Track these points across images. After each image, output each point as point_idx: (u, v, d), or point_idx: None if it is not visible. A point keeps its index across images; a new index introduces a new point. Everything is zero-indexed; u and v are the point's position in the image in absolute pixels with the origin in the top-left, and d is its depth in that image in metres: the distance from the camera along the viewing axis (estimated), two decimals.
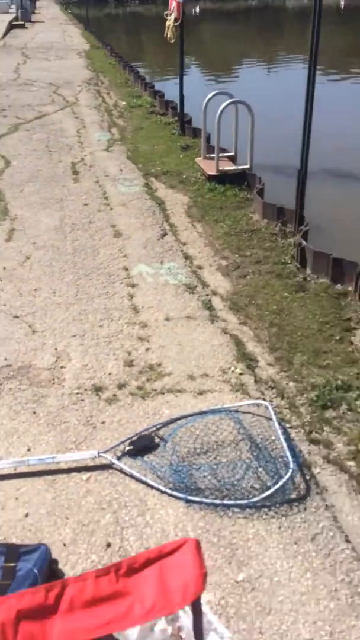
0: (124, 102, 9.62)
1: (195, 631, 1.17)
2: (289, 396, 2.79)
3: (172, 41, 7.01)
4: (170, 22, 6.90)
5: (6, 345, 3.21)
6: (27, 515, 2.15)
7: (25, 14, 27.23)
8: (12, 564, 1.70)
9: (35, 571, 1.67)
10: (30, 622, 1.08)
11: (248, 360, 3.05)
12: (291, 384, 2.89)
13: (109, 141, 7.27)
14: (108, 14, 43.99)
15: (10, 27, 23.58)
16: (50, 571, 1.78)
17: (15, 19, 26.13)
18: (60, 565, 1.92)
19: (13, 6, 30.01)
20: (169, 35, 7.02)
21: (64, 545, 2.02)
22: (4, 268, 4.04)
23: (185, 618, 1.56)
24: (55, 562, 1.88)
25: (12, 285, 3.82)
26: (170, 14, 6.86)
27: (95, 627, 1.08)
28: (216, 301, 3.65)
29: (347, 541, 2.02)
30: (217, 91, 5.96)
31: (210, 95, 5.81)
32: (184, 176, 5.89)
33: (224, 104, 5.30)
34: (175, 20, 6.79)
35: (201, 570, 1.11)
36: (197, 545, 1.15)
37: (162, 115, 8.65)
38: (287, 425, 2.59)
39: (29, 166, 6.25)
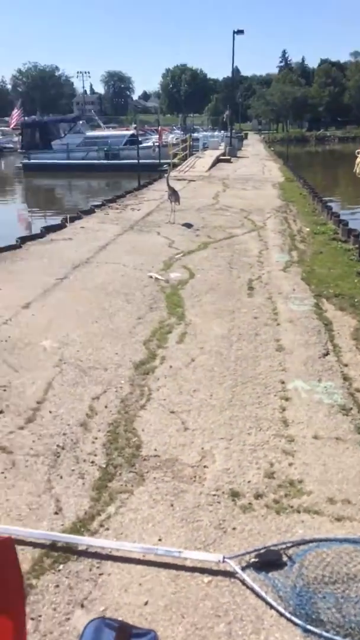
0: (307, 229, 10.11)
1: None
2: None
3: None
4: (359, 159, 7.30)
5: (159, 436, 3.44)
6: (146, 603, 2.21)
7: (232, 150, 30.69)
8: None
9: None
10: None
11: None
12: None
13: (287, 262, 7.65)
14: (308, 151, 47.29)
15: (217, 161, 26.65)
16: None
17: (223, 154, 29.53)
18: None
19: (222, 144, 34.07)
20: (357, 171, 7.40)
21: None
22: (171, 366, 4.39)
23: None
24: None
25: (175, 384, 4.11)
26: None
27: None
28: None
29: None
30: None
31: None
32: (355, 300, 5.91)
33: None
34: None
35: None
36: None
37: (343, 242, 8.89)
38: None
39: (210, 280, 6.83)
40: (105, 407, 3.80)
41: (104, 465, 3.15)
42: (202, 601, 2.21)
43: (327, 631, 2.03)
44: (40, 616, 2.17)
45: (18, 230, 13.02)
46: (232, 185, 17.24)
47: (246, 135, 61.47)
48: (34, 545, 2.55)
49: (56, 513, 2.76)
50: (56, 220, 11.55)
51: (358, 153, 7.60)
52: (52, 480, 3.03)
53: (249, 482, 2.99)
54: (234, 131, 45.92)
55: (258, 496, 2.86)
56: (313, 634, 2.03)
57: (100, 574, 2.37)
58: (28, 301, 5.97)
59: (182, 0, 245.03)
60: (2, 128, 51.17)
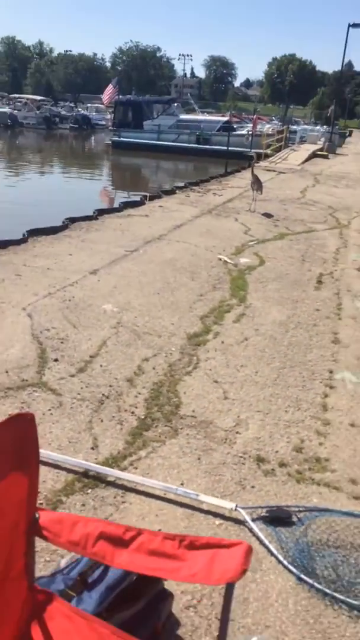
0: None
1: (222, 613, 1.39)
2: None
3: None
4: None
5: (199, 401, 3.73)
6: (159, 530, 2.52)
7: (331, 146, 30.20)
8: None
9: None
10: (106, 543, 1.45)
11: None
12: None
13: None
14: None
15: (313, 155, 26.38)
16: None
17: (321, 149, 29.15)
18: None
19: (322, 139, 33.59)
20: None
21: None
22: (222, 342, 4.66)
23: None
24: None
25: (224, 357, 4.39)
26: None
27: (147, 568, 1.41)
28: None
29: None
30: None
31: None
32: None
33: None
34: None
35: (242, 567, 1.35)
36: (249, 549, 1.40)
37: None
38: None
39: (280, 269, 7.02)
40: (153, 368, 4.14)
41: (142, 417, 3.49)
42: None
43: (320, 583, 2.26)
44: None
45: (100, 204, 13.67)
46: (323, 182, 17.12)
47: (351, 132, 60.01)
48: (69, 470, 2.93)
49: (92, 449, 3.13)
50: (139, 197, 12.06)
51: None
52: (93, 422, 3.40)
53: (276, 451, 3.23)
54: (337, 127, 45.14)
55: (282, 465, 3.10)
56: (306, 583, 2.27)
57: (123, 502, 2.71)
58: (96, 268, 6.43)
59: None
60: (97, 105, 53.02)
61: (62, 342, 4.44)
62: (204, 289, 6.02)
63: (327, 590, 2.22)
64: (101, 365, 4.12)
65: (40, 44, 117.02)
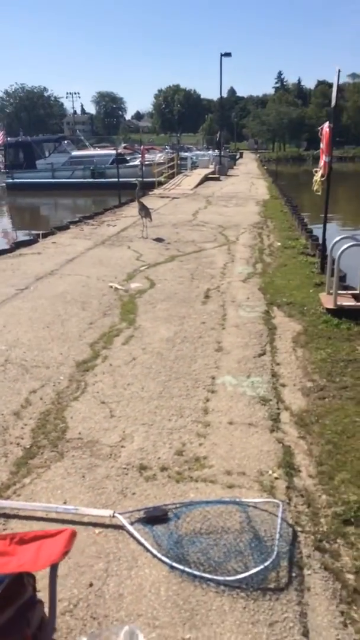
0: (279, 243, 10.65)
1: (50, 593, 1.55)
2: (316, 506, 2.93)
3: (319, 193, 7.90)
4: (317, 177, 7.86)
5: (85, 423, 3.86)
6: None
7: (222, 169, 31.54)
8: None
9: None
10: None
11: (290, 469, 3.26)
12: (323, 496, 3.02)
13: (249, 274, 8.15)
14: (305, 170, 48.28)
15: (205, 179, 27.43)
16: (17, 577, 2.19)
17: (212, 172, 30.36)
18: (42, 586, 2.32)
19: (214, 162, 34.98)
20: (315, 188, 7.95)
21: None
22: (111, 364, 4.83)
23: None
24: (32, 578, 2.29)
25: (111, 379, 4.55)
26: (318, 171, 7.83)
27: None
28: (284, 415, 3.93)
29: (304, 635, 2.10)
30: (345, 235, 6.54)
31: (337, 238, 6.41)
32: (305, 308, 6.38)
33: (345, 246, 5.85)
34: (322, 175, 7.72)
35: (64, 549, 1.52)
36: (71, 534, 1.56)
37: (311, 257, 9.41)
38: (299, 529, 2.73)
39: (169, 289, 7.32)
40: (41, 399, 4.23)
41: (28, 446, 3.57)
42: (89, 547, 2.62)
43: (190, 567, 2.44)
44: None
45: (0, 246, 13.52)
46: (215, 202, 17.88)
47: (242, 154, 62.97)
48: None
49: None
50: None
51: (315, 171, 8.13)
52: None
53: (159, 458, 3.41)
54: (228, 150, 47.24)
55: (163, 469, 3.29)
56: (178, 570, 2.44)
57: (5, 529, 2.78)
58: None
59: (176, 23, 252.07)
60: None
61: None
62: (95, 316, 6.19)
63: (196, 572, 2.40)
64: None
65: None
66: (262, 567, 2.39)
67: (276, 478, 3.17)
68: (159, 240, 10.92)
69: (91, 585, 2.38)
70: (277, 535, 2.59)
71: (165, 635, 2.12)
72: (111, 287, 7.42)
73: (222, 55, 29.36)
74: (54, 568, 1.50)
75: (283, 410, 4.02)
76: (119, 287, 7.41)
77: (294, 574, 2.43)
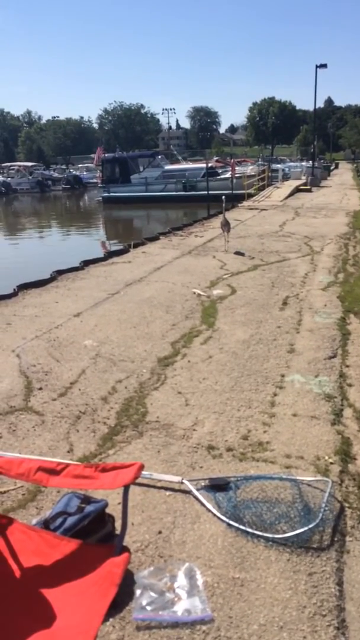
0: None
1: (122, 510, 2.03)
2: None
3: None
4: None
5: (163, 409, 4.36)
6: (119, 503, 3.11)
7: (314, 180, 31.47)
8: (83, 505, 2.70)
9: (92, 509, 2.64)
10: (43, 473, 2.09)
11: (346, 456, 3.56)
12: None
13: (330, 283, 8.37)
14: None
15: (296, 190, 27.52)
16: (100, 515, 2.70)
17: (304, 184, 30.36)
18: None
19: (306, 173, 34.90)
20: None
21: (132, 524, 2.91)
22: (189, 361, 5.31)
23: (182, 579, 2.33)
24: (112, 518, 2.79)
25: (188, 373, 5.03)
26: None
27: (72, 484, 2.06)
28: (347, 411, 4.22)
29: (338, 584, 2.44)
30: None
31: None
32: None
33: None
34: None
35: (134, 475, 2.00)
36: (141, 466, 2.04)
37: None
38: (347, 504, 3.05)
39: (249, 296, 7.71)
40: (125, 387, 4.78)
41: (113, 425, 4.12)
42: (160, 505, 3.09)
43: (244, 526, 2.84)
44: None
45: (95, 254, 14.54)
46: (303, 214, 18.04)
47: (337, 165, 62.02)
48: None
49: (68, 452, 3.75)
50: None
51: None
52: (70, 432, 4.03)
53: (226, 440, 3.83)
54: (322, 161, 46.95)
55: (229, 449, 3.70)
56: (233, 527, 2.85)
57: None
58: (79, 311, 7.15)
59: (272, 34, 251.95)
60: (87, 164, 55.61)
61: (46, 374, 5.10)
62: (177, 319, 6.71)
63: (249, 530, 2.80)
64: (80, 389, 4.76)
65: (29, 113, 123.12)
66: (306, 528, 2.74)
67: (331, 463, 3.49)
68: (243, 250, 11.32)
69: (160, 532, 2.84)
70: (324, 505, 2.93)
71: (218, 574, 2.53)
72: (194, 293, 7.93)
73: (317, 66, 29.47)
74: (126, 489, 1.98)
75: (347, 407, 4.30)
76: (202, 293, 7.91)
77: (336, 539, 2.76)
